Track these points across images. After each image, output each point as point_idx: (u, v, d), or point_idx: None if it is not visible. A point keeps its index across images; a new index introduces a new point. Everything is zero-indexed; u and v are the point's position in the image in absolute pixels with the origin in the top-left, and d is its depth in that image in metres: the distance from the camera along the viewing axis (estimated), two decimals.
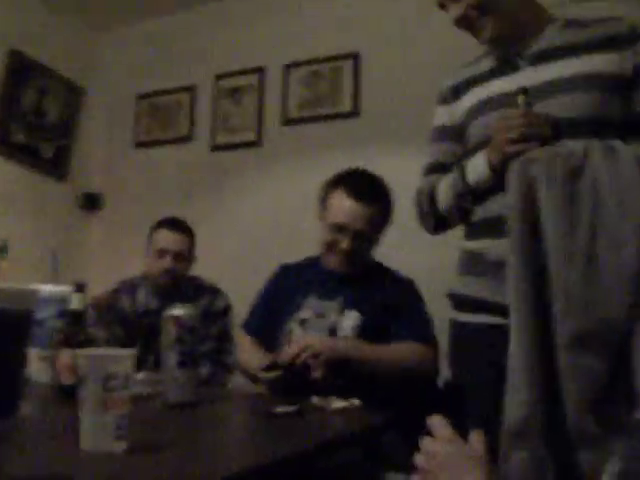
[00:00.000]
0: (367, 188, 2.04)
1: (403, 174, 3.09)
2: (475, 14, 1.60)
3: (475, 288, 1.63)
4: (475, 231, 1.66)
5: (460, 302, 1.69)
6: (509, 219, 1.38)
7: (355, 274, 2.03)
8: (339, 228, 2.00)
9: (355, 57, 3.41)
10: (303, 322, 2.00)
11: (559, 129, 1.47)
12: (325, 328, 1.96)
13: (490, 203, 1.59)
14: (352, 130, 3.35)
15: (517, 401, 1.31)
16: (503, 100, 1.59)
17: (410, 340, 1.93)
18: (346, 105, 3.39)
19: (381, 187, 2.09)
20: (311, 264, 2.16)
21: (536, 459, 1.29)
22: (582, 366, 1.28)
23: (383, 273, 2.12)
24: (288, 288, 2.11)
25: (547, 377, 1.33)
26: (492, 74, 1.67)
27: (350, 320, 1.96)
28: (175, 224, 2.71)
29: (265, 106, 3.64)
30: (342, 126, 3.39)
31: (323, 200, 2.09)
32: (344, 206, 2.00)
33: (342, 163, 3.09)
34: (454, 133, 1.76)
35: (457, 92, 1.75)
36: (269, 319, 2.10)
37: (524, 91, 1.50)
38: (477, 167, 1.58)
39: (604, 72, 1.51)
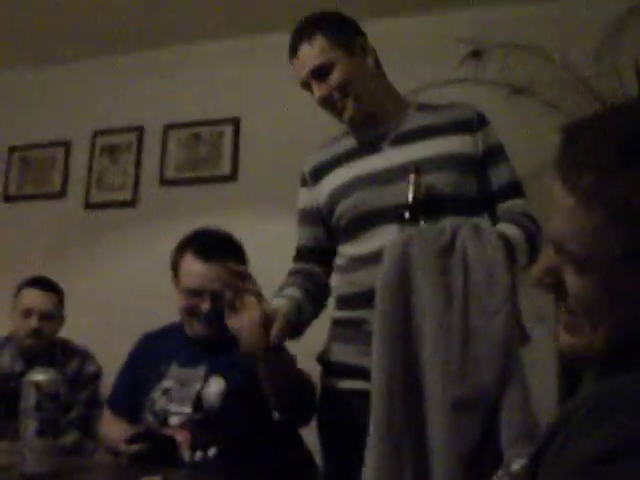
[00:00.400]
0: (215, 246, 2.00)
1: (279, 239, 3.17)
2: (338, 95, 1.67)
3: (349, 355, 1.66)
4: (349, 302, 1.70)
5: (332, 368, 1.71)
6: (384, 292, 1.44)
7: (219, 338, 1.97)
8: (195, 293, 1.95)
9: (235, 122, 3.46)
10: (166, 392, 1.94)
11: None
12: (189, 397, 1.91)
13: (364, 277, 1.63)
14: (230, 194, 3.38)
15: (373, 458, 1.39)
16: (368, 180, 1.67)
17: None
18: (225, 169, 3.42)
19: (230, 242, 2.06)
20: (174, 331, 2.10)
21: None
22: (459, 428, 1.37)
23: None
24: (151, 357, 2.05)
25: (412, 441, 1.39)
26: (354, 155, 1.73)
27: (214, 387, 1.91)
28: (41, 282, 2.61)
29: (143, 166, 3.60)
30: (220, 190, 3.41)
31: (174, 266, 2.04)
32: (195, 270, 1.96)
33: (219, 226, 3.11)
34: (315, 216, 1.80)
35: (318, 175, 1.78)
36: (133, 392, 2.03)
37: (416, 169, 1.57)
38: None
39: (462, 152, 1.63)
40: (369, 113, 1.71)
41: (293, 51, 1.73)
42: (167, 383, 1.95)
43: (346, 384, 1.67)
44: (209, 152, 3.46)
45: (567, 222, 0.76)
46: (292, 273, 1.82)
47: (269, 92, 3.41)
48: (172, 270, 2.05)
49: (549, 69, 2.79)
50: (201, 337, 1.99)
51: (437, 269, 1.44)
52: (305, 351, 1.83)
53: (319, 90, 1.69)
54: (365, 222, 1.65)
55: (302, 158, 3.05)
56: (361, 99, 1.69)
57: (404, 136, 1.69)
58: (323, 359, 1.75)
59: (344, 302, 1.72)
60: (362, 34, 1.75)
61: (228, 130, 3.46)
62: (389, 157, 1.68)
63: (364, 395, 1.49)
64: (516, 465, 0.84)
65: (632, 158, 0.70)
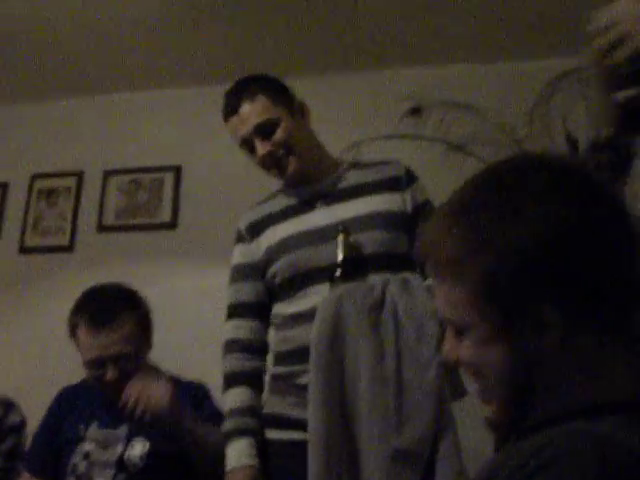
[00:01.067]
0: (107, 311, 1.90)
1: (216, 290, 3.14)
2: (282, 152, 1.72)
3: (283, 407, 1.67)
4: (283, 359, 1.71)
5: (268, 420, 1.71)
6: (318, 347, 1.46)
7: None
8: (96, 363, 1.87)
9: (177, 169, 3.45)
10: (87, 455, 1.86)
11: None
12: (112, 461, 1.84)
13: (298, 334, 1.65)
14: (169, 242, 3.35)
15: None
16: (301, 239, 1.70)
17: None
18: (164, 216, 3.39)
19: (124, 300, 1.97)
20: (89, 389, 2.00)
21: None
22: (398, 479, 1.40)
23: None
24: (70, 415, 1.96)
25: None
26: (290, 213, 1.77)
27: (138, 449, 1.85)
28: None
29: (81, 211, 3.54)
30: (159, 237, 3.37)
31: (72, 333, 1.94)
32: (90, 342, 1.87)
33: (157, 274, 3.08)
34: (254, 271, 1.78)
35: (255, 230, 1.80)
36: (50, 452, 1.94)
37: (344, 229, 1.61)
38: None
39: (389, 210, 1.67)
40: (308, 170, 1.76)
41: (232, 109, 1.75)
42: (87, 446, 1.87)
43: (282, 434, 1.67)
44: (149, 199, 3.44)
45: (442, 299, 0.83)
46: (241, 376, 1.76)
47: (212, 141, 3.42)
48: (71, 336, 1.95)
49: (485, 128, 2.87)
50: (116, 403, 1.88)
51: (369, 325, 1.48)
52: None
53: (263, 147, 1.71)
54: (299, 281, 1.67)
55: (242, 209, 3.10)
56: (303, 157, 1.74)
57: (336, 195, 1.74)
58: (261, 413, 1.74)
59: (279, 359, 1.73)
60: (293, 94, 1.80)
61: (169, 177, 3.45)
62: (321, 217, 1.72)
63: (300, 445, 1.51)
64: None
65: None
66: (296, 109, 1.77)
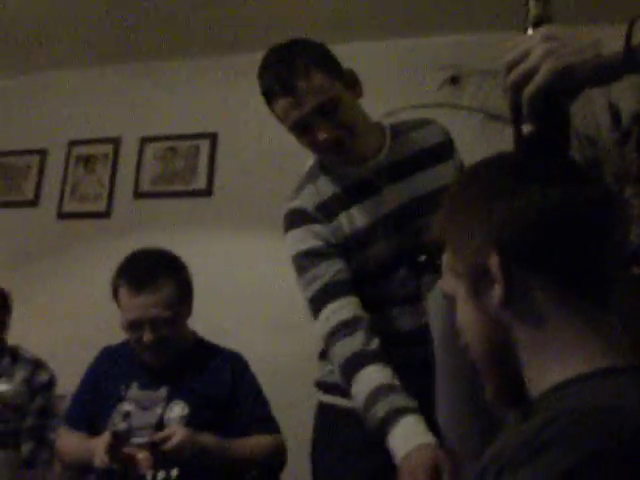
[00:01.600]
0: (148, 274, 1.89)
1: (253, 255, 3.17)
2: (346, 134, 1.51)
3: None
4: None
5: (329, 388, 1.67)
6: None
7: (176, 361, 1.93)
8: (135, 324, 1.88)
9: (213, 137, 3.46)
10: (127, 415, 1.88)
11: None
12: (151, 422, 1.86)
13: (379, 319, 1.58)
14: (205, 208, 3.37)
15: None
16: (386, 224, 1.57)
17: (256, 432, 1.90)
18: (200, 183, 3.41)
19: (165, 265, 1.95)
20: (139, 352, 2.00)
21: None
22: None
23: (207, 353, 2.02)
24: (110, 375, 1.99)
25: None
26: (357, 195, 1.60)
27: (177, 412, 1.87)
28: None
29: (118, 177, 3.58)
30: (195, 204, 3.40)
31: (114, 294, 1.94)
32: (130, 303, 1.88)
33: (193, 240, 3.11)
34: (338, 251, 1.57)
35: (326, 212, 1.59)
36: (91, 409, 1.97)
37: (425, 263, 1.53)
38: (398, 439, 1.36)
39: (450, 183, 1.60)
40: (355, 149, 1.58)
41: (284, 90, 1.48)
42: (127, 406, 1.90)
43: (338, 400, 1.62)
44: (185, 166, 3.46)
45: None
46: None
47: (248, 109, 3.41)
48: (113, 297, 1.96)
49: None
50: (154, 366, 1.94)
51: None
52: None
53: (325, 130, 1.49)
54: (385, 267, 1.58)
55: (276, 177, 3.11)
56: (364, 135, 1.58)
57: (396, 171, 1.61)
58: (319, 381, 1.71)
59: None
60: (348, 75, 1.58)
61: (205, 145, 3.46)
62: (391, 197, 1.60)
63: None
64: None
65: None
66: (348, 80, 1.55)
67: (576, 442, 0.64)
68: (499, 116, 2.81)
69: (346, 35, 3.08)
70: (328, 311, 1.51)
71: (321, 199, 1.59)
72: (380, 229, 1.57)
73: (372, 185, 1.60)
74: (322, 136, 1.49)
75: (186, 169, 3.45)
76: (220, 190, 3.39)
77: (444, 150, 1.67)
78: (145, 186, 3.51)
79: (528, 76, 0.88)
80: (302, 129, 1.52)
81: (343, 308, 1.51)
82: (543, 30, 0.90)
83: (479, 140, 2.64)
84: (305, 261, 1.57)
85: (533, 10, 0.95)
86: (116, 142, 3.63)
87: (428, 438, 1.33)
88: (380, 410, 1.37)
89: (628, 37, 0.84)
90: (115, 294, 1.94)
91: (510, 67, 0.91)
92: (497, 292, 0.78)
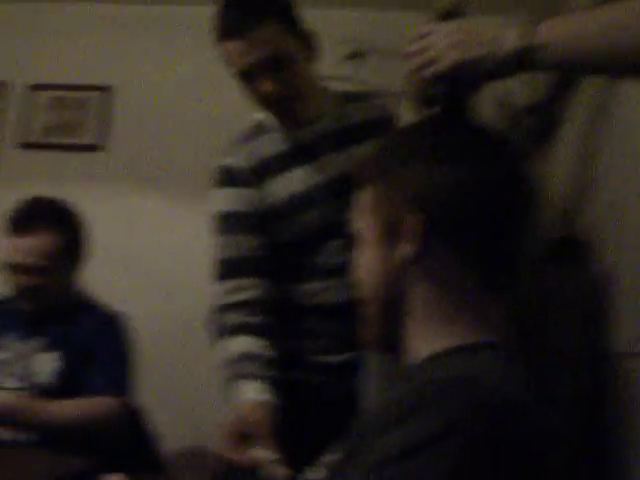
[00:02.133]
0: (30, 220, 1.87)
1: (145, 215, 3.13)
2: (292, 93, 1.51)
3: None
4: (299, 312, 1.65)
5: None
6: None
7: (55, 311, 1.92)
8: (11, 267, 1.87)
9: (106, 90, 3.38)
10: (2, 364, 1.87)
11: None
12: (21, 373, 1.86)
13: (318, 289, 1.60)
14: (97, 164, 3.28)
15: None
16: (322, 192, 1.58)
17: (101, 393, 1.85)
18: (92, 137, 3.34)
19: (51, 214, 1.93)
20: (11, 300, 1.99)
21: None
22: None
23: (87, 308, 2.00)
24: None
25: None
26: (291, 160, 1.58)
27: (49, 363, 1.87)
28: None
29: (5, 126, 3.42)
30: (87, 159, 3.30)
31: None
32: (8, 245, 1.87)
33: (83, 196, 3.03)
34: (259, 222, 1.58)
35: (264, 173, 1.58)
36: None
37: None
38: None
39: None
40: (297, 109, 1.57)
41: (234, 30, 1.44)
42: (3, 355, 1.89)
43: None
44: (77, 118, 3.35)
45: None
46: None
47: (147, 63, 3.34)
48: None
49: None
50: (28, 314, 1.92)
51: None
52: None
53: (270, 84, 1.47)
54: (315, 237, 1.58)
55: (176, 136, 3.06)
56: (312, 99, 1.57)
57: (341, 139, 1.61)
58: None
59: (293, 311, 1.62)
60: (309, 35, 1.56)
61: (99, 97, 3.40)
62: (332, 164, 1.59)
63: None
64: (330, 456, 0.90)
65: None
66: (306, 42, 1.53)
67: (436, 411, 0.69)
68: (398, 94, 2.88)
69: None
70: (230, 285, 1.54)
71: (258, 160, 1.57)
72: (315, 197, 1.56)
73: (312, 151, 1.59)
74: (267, 89, 1.47)
75: (79, 121, 3.35)
76: (114, 146, 3.31)
77: (380, 127, 1.62)
78: (34, 137, 3.38)
79: (430, 63, 0.95)
80: (248, 78, 1.48)
81: (244, 290, 1.54)
82: (450, 23, 0.97)
83: None
84: (225, 224, 1.58)
85: (442, 2, 1.01)
86: (1, 87, 3.44)
87: (266, 397, 1.38)
88: (233, 372, 1.43)
89: (525, 36, 0.91)
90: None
91: (413, 55, 0.97)
92: (407, 250, 0.83)
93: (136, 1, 3.38)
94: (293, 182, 1.56)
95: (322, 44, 3.07)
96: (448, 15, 1.00)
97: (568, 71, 1.00)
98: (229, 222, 1.57)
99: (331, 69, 2.94)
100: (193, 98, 3.17)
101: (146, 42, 3.36)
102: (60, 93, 3.40)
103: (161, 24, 3.34)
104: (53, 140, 3.38)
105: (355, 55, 3.02)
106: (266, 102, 1.51)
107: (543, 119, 2.33)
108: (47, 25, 3.50)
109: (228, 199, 1.58)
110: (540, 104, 2.34)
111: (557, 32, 0.89)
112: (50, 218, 1.90)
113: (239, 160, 1.58)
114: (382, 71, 2.94)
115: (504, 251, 0.85)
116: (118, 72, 3.39)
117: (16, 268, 1.86)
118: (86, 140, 3.33)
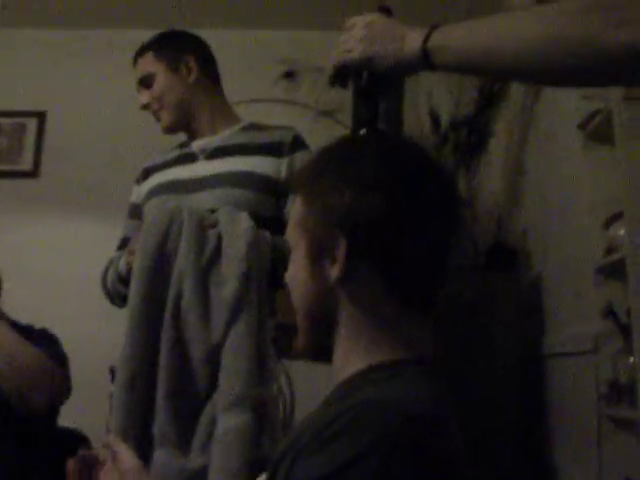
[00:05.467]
0: None
1: (80, 240, 3.10)
2: (156, 106, 1.82)
3: None
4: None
5: None
6: (142, 261, 1.58)
7: None
8: None
9: (40, 115, 3.32)
10: None
11: None
12: None
13: None
14: (31, 190, 3.23)
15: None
16: (174, 186, 1.76)
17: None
18: (26, 164, 3.27)
19: None
20: None
21: None
22: (183, 386, 1.52)
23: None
24: None
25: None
26: (174, 163, 1.84)
27: None
28: None
29: None
30: (20, 185, 3.24)
31: None
32: None
33: (17, 224, 2.99)
34: (139, 211, 1.84)
35: (147, 174, 1.87)
36: None
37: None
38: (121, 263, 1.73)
39: (264, 174, 1.72)
40: (187, 126, 1.85)
41: (134, 63, 1.88)
42: None
43: None
44: (10, 145, 3.29)
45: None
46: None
47: (79, 88, 3.32)
48: None
49: None
50: None
51: (196, 241, 1.58)
52: None
53: (141, 98, 1.84)
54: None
55: (109, 158, 3.05)
56: (178, 112, 1.83)
57: (219, 151, 1.79)
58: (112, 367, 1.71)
59: None
60: (195, 52, 1.86)
61: (32, 123, 3.31)
62: (199, 169, 1.78)
63: None
64: (261, 478, 0.93)
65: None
66: (182, 66, 1.84)
67: (358, 434, 0.70)
68: (330, 113, 2.94)
69: (188, 22, 3.08)
70: (117, 254, 1.81)
71: (150, 165, 1.88)
72: (168, 189, 1.77)
73: (192, 157, 1.82)
74: (140, 102, 1.85)
75: (11, 148, 3.29)
76: (47, 172, 3.26)
77: (278, 148, 1.76)
78: None
79: (344, 53, 1.05)
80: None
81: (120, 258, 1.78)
82: (366, 17, 1.05)
83: (310, 136, 2.75)
84: (128, 211, 1.91)
85: None
86: None
87: None
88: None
89: (426, 38, 0.97)
90: None
91: (338, 44, 1.06)
92: (334, 271, 0.84)
93: (70, 26, 3.33)
94: (163, 176, 1.82)
95: (256, 64, 3.14)
96: (381, 10, 1.08)
97: (462, 72, 1.10)
98: (128, 211, 1.91)
99: (266, 90, 3.00)
100: (127, 122, 3.17)
101: (81, 66, 3.34)
102: None
103: (96, 48, 3.32)
104: None
105: (287, 75, 3.06)
106: (145, 109, 1.86)
107: (471, 132, 2.43)
108: None
109: (132, 194, 1.91)
110: (468, 118, 2.44)
111: (454, 35, 0.95)
112: None
113: (143, 166, 1.90)
114: (314, 91, 2.99)
115: (427, 272, 0.87)
116: (51, 98, 3.34)
117: None
118: (19, 166, 3.26)
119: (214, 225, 1.61)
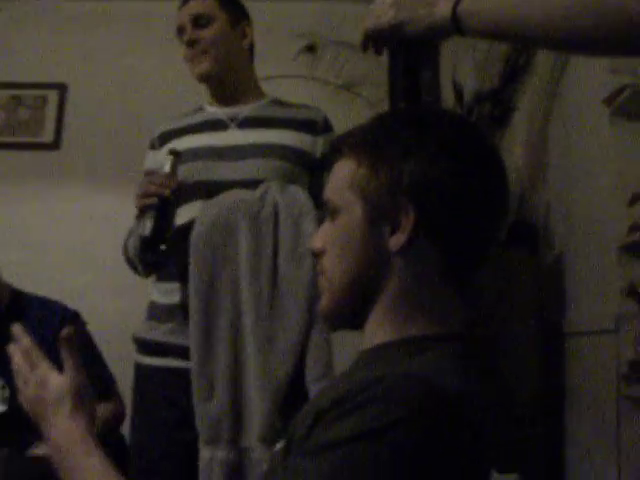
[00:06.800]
0: None
1: (103, 212, 3.11)
2: (203, 47, 1.74)
3: (160, 332, 1.68)
4: (167, 275, 1.71)
5: (144, 346, 1.71)
6: (198, 247, 1.55)
7: None
8: None
9: (61, 87, 3.33)
10: None
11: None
12: None
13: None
14: (52, 162, 3.24)
15: (206, 411, 1.51)
16: (205, 153, 1.72)
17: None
18: (47, 136, 3.27)
19: None
20: None
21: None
22: (270, 365, 1.51)
23: (28, 305, 1.99)
24: None
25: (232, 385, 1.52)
26: (203, 128, 1.78)
27: None
28: None
29: None
30: (41, 157, 3.26)
31: None
32: None
33: (38, 196, 3.00)
34: None
35: (164, 140, 1.80)
36: None
37: (175, 153, 1.63)
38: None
39: (300, 148, 1.73)
40: (220, 83, 1.80)
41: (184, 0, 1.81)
42: None
43: (152, 360, 1.68)
44: (31, 117, 3.30)
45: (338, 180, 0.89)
46: None
47: (100, 59, 3.31)
48: None
49: (377, 70, 2.93)
50: None
51: (251, 222, 1.57)
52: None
53: (190, 34, 1.75)
54: (191, 193, 1.68)
55: (130, 130, 3.05)
56: (219, 65, 1.76)
57: (252, 122, 1.77)
58: (136, 336, 1.74)
59: (158, 276, 1.74)
60: (248, 19, 1.85)
61: (53, 95, 3.32)
62: (232, 137, 1.74)
63: (176, 372, 1.59)
64: (279, 445, 0.92)
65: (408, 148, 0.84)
66: (240, 26, 1.81)
67: (389, 404, 0.70)
68: (350, 86, 2.92)
69: None
70: (133, 225, 1.74)
71: (168, 129, 1.81)
72: (203, 155, 1.71)
73: (222, 125, 1.77)
74: (185, 37, 1.75)
75: (32, 120, 3.30)
76: (69, 144, 3.27)
77: (311, 126, 1.78)
78: None
79: (376, 20, 1.05)
80: (180, 34, 1.78)
81: None
82: None
83: (331, 109, 2.73)
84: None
85: None
86: None
87: None
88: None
89: (456, 3, 0.96)
90: None
91: (368, 14, 1.06)
92: (396, 239, 0.82)
93: None
94: (191, 142, 1.75)
95: (277, 38, 3.10)
96: None
97: (494, 39, 1.10)
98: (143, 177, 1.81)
99: (287, 64, 2.97)
100: (149, 93, 3.16)
101: (100, 38, 3.33)
102: (12, 92, 3.33)
103: (117, 20, 3.30)
104: (6, 139, 3.30)
105: (309, 49, 3.03)
106: (185, 53, 1.76)
107: (496, 106, 2.39)
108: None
109: (146, 160, 1.84)
110: (492, 91, 2.40)
111: (483, 1, 0.95)
112: None
113: (158, 130, 1.83)
114: (336, 64, 2.96)
115: (482, 249, 0.87)
116: (72, 70, 3.34)
117: None
118: (40, 139, 3.27)
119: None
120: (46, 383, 0.92)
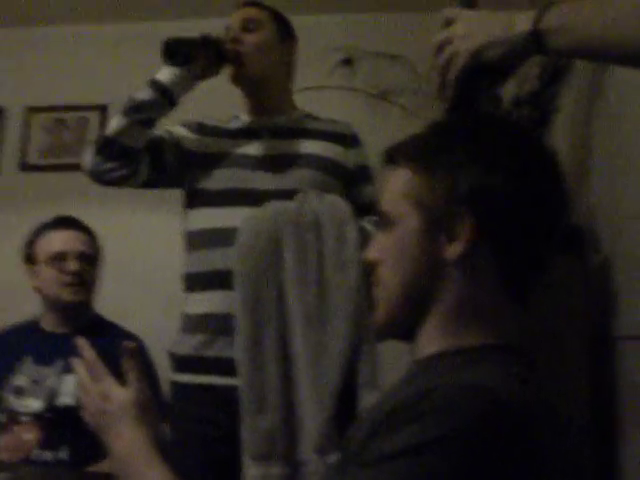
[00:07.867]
0: (72, 219, 2.11)
1: (149, 232, 3.14)
2: (247, 49, 1.77)
3: (190, 346, 1.67)
4: (200, 282, 1.70)
5: (177, 361, 1.70)
6: (247, 261, 1.55)
7: (73, 332, 1.92)
8: (59, 256, 1.99)
9: (102, 109, 3.38)
10: (19, 390, 1.88)
11: None
12: (43, 395, 1.86)
13: (213, 258, 1.66)
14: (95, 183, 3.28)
15: (256, 426, 1.49)
16: (243, 160, 1.75)
17: None
18: None
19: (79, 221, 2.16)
20: (28, 327, 2.04)
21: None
22: (321, 372, 1.50)
23: (103, 330, 2.03)
24: (1, 352, 1.97)
25: (284, 398, 1.51)
26: (234, 134, 1.82)
27: (70, 385, 1.87)
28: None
29: (3, 150, 3.44)
30: (85, 178, 3.29)
31: (30, 249, 2.06)
32: (57, 236, 2.04)
33: (84, 215, 3.04)
34: (177, 145, 1.83)
35: (200, 129, 1.86)
36: None
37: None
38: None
39: (333, 159, 1.74)
40: (256, 90, 1.83)
41: (241, 5, 1.87)
42: (19, 380, 1.89)
43: (192, 378, 1.67)
44: (74, 138, 3.36)
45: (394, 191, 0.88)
46: None
47: (138, 80, 3.34)
48: (26, 259, 2.04)
49: (414, 79, 2.93)
50: (71, 304, 1.97)
51: (293, 233, 1.58)
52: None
53: (237, 34, 1.78)
54: (227, 199, 1.70)
55: None
56: (260, 69, 1.79)
57: (284, 132, 1.79)
58: (170, 351, 1.73)
59: (191, 285, 1.73)
60: (295, 40, 1.93)
61: (94, 117, 3.38)
62: (263, 147, 1.76)
63: (214, 390, 1.60)
64: (334, 456, 0.92)
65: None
66: (287, 42, 1.88)
67: (446, 415, 0.69)
68: (386, 95, 2.91)
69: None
70: None
71: (206, 123, 1.87)
72: (231, 163, 1.74)
73: (254, 134, 1.80)
74: (235, 32, 1.78)
75: (75, 141, 3.36)
76: None
77: (342, 138, 1.81)
78: (32, 159, 3.39)
79: (451, 59, 0.96)
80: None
81: None
82: (463, 13, 0.98)
83: (368, 118, 2.74)
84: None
85: None
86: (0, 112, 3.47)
87: None
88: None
89: (537, 20, 0.89)
90: (31, 245, 2.03)
91: (437, 50, 0.98)
92: (454, 249, 0.82)
93: (128, 19, 3.37)
94: (219, 146, 1.79)
95: (312, 52, 3.11)
96: (467, 4, 1.03)
97: (578, 57, 1.00)
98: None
99: (323, 78, 2.98)
100: (185, 110, 3.19)
101: (140, 59, 3.37)
102: (55, 114, 3.40)
103: (157, 41, 3.35)
104: (51, 161, 3.36)
105: (347, 62, 3.03)
106: (228, 50, 1.77)
107: (536, 109, 2.35)
108: (38, 47, 3.50)
109: (175, 128, 1.90)
110: (532, 94, 2.36)
111: (569, 17, 0.88)
112: (80, 222, 2.13)
113: (198, 120, 1.89)
114: (374, 76, 2.96)
115: (540, 257, 0.86)
116: (111, 91, 3.39)
117: (63, 256, 1.98)
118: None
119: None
120: (109, 396, 0.94)
